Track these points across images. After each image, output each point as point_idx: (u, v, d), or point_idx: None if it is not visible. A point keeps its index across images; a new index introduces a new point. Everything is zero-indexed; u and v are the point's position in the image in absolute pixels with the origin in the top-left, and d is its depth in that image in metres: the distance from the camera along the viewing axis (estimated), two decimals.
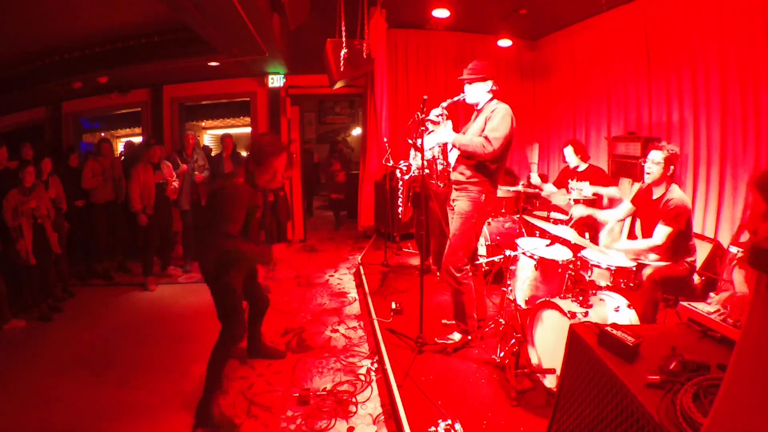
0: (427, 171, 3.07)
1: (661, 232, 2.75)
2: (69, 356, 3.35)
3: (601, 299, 2.55)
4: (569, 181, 4.35)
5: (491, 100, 2.94)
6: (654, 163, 2.86)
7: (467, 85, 2.97)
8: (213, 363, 2.55)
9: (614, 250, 2.94)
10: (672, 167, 2.82)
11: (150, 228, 4.76)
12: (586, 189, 4.07)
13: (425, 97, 2.86)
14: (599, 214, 3.36)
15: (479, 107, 2.98)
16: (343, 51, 4.32)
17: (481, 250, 4.10)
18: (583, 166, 4.32)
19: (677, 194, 2.81)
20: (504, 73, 6.49)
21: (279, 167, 2.54)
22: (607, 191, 4.12)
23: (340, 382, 2.92)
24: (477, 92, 2.94)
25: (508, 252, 3.32)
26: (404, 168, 4.10)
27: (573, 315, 2.30)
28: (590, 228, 3.94)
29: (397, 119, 6.19)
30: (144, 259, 4.85)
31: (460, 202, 2.95)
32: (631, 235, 3.83)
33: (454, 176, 3.00)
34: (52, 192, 4.16)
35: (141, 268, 4.86)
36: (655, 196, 2.92)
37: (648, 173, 2.90)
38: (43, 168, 4.15)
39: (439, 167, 3.04)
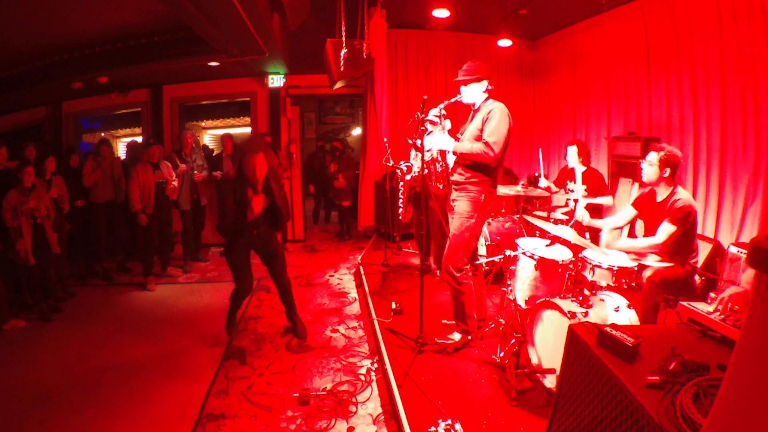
0: (426, 172, 3.07)
1: (665, 231, 2.74)
2: (69, 356, 3.35)
3: (601, 299, 2.55)
4: (567, 182, 4.35)
5: (487, 99, 2.97)
6: (648, 163, 2.87)
7: (463, 86, 2.99)
8: (230, 305, 3.54)
9: (614, 248, 2.94)
10: (668, 169, 2.79)
11: (150, 228, 4.76)
12: (582, 197, 4.05)
13: (425, 97, 2.87)
14: (602, 223, 3.35)
15: (476, 107, 3.01)
16: (343, 51, 4.32)
17: (481, 250, 4.10)
18: (581, 169, 4.32)
19: (684, 195, 2.80)
20: (504, 73, 6.49)
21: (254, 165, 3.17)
22: (601, 201, 4.12)
23: (340, 382, 2.92)
24: (473, 93, 2.97)
25: (508, 252, 3.32)
26: (405, 168, 4.09)
27: (573, 315, 2.30)
28: (591, 228, 3.94)
29: (397, 119, 6.19)
30: (144, 259, 4.85)
31: (460, 203, 2.96)
32: (632, 235, 3.82)
33: (454, 177, 3.01)
34: (55, 191, 4.15)
35: (141, 268, 4.86)
36: (659, 199, 2.91)
37: (643, 173, 2.93)
38: (47, 167, 4.14)
39: (438, 168, 3.04)
